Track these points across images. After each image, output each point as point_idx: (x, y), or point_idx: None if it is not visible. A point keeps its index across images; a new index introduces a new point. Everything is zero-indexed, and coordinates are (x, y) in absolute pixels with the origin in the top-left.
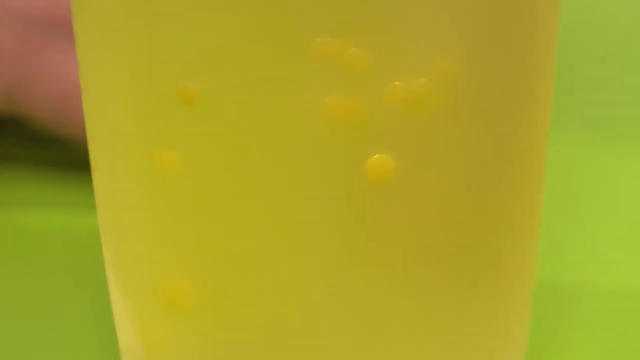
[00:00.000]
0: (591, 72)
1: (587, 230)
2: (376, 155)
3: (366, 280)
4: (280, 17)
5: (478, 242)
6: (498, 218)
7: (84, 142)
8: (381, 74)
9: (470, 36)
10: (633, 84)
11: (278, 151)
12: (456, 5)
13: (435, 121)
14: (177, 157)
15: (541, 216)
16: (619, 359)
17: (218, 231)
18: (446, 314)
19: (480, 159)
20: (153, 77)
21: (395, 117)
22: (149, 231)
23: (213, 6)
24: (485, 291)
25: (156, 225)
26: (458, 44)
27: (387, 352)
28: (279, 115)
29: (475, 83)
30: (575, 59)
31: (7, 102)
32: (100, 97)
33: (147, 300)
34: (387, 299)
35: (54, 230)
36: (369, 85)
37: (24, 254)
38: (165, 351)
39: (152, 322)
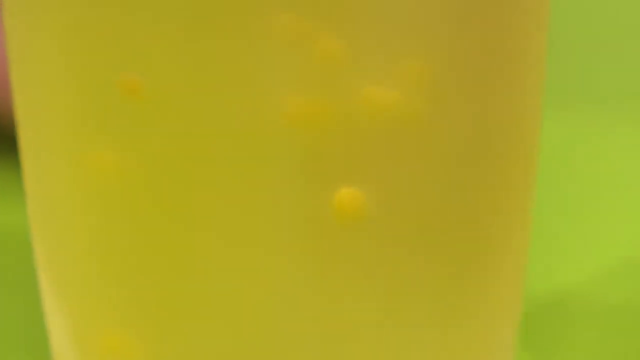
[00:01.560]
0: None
1: (581, 231)
2: (344, 190)
3: (331, 323)
4: None
5: (463, 265)
6: (486, 238)
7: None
8: (358, 73)
9: (458, 35)
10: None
11: (230, 161)
12: None
13: (415, 135)
14: (112, 161)
15: (530, 231)
16: None
17: (156, 258)
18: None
19: (462, 178)
20: (91, 66)
21: (371, 128)
22: (83, 254)
23: None
24: (469, 319)
25: (90, 247)
26: (443, 42)
27: None
28: (232, 116)
29: (459, 88)
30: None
31: None
32: (30, 78)
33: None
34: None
35: None
36: (343, 86)
37: None
38: None
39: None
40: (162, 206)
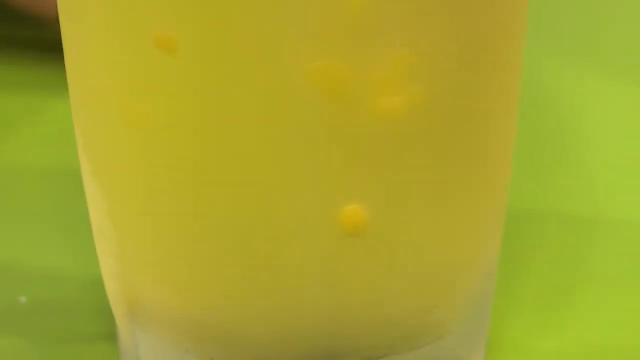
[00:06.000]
0: None
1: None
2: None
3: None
4: None
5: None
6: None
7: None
8: (381, 37)
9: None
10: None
11: (254, 119)
12: None
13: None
14: (146, 113)
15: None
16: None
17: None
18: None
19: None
20: (130, 23)
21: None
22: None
23: None
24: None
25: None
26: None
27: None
28: (260, 77)
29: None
30: None
31: None
32: (78, 30)
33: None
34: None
35: (28, 111)
36: (365, 48)
37: None
38: (139, 236)
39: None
40: (189, 157)
